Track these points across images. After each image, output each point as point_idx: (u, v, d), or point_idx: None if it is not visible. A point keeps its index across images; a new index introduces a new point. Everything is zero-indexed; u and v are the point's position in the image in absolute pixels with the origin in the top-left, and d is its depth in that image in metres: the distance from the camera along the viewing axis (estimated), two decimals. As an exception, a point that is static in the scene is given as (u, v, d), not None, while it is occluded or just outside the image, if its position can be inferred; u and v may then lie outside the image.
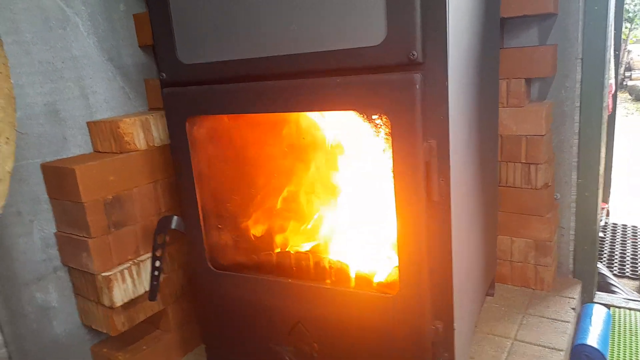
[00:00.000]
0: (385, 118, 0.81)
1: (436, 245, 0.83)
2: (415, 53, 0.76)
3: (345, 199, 1.04)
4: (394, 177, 0.81)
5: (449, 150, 0.80)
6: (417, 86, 0.77)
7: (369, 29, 0.79)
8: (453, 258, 0.84)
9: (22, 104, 1.03)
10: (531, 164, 1.39)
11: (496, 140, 1.38)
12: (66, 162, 1.05)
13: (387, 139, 0.87)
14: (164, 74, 0.97)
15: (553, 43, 1.40)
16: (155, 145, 1.17)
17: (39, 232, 1.08)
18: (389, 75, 0.79)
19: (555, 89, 1.45)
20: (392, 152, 0.79)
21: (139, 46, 1.27)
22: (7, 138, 0.75)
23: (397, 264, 0.84)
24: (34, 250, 1.07)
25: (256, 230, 1.09)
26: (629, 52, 7.91)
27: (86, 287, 1.10)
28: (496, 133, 1.38)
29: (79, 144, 1.15)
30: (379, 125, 0.88)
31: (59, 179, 1.04)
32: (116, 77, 1.23)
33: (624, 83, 7.56)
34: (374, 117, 0.87)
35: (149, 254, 1.13)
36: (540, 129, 1.35)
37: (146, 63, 1.30)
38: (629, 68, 8.05)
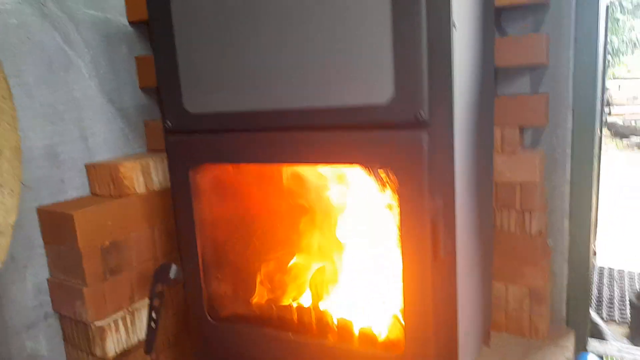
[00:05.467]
0: (392, 175, 0.82)
1: (441, 303, 0.83)
2: (422, 113, 0.77)
3: (349, 254, 1.04)
4: (400, 234, 0.81)
5: (454, 208, 0.81)
6: (424, 145, 0.78)
7: (376, 87, 0.80)
8: (458, 315, 0.84)
9: (22, 147, 1.01)
10: (525, 210, 1.41)
11: (491, 187, 1.41)
12: (64, 207, 1.03)
13: (393, 195, 0.88)
14: (169, 122, 0.97)
15: (545, 91, 1.45)
16: (155, 189, 1.15)
17: (32, 278, 1.05)
18: (396, 133, 0.80)
19: (547, 136, 1.49)
20: (399, 209, 0.80)
21: (140, 87, 1.27)
22: (12, 190, 0.73)
23: (402, 321, 0.84)
24: (26, 298, 1.04)
25: (257, 281, 1.08)
26: (607, 88, 8.18)
27: (78, 336, 1.06)
28: (491, 179, 1.40)
29: (76, 187, 1.13)
30: (385, 182, 0.89)
31: (55, 223, 1.02)
32: (116, 118, 1.22)
33: (603, 119, 7.79)
34: (380, 173, 0.88)
35: (144, 301, 1.10)
36: (534, 176, 1.38)
37: (146, 104, 1.30)
38: (607, 104, 8.31)
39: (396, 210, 0.81)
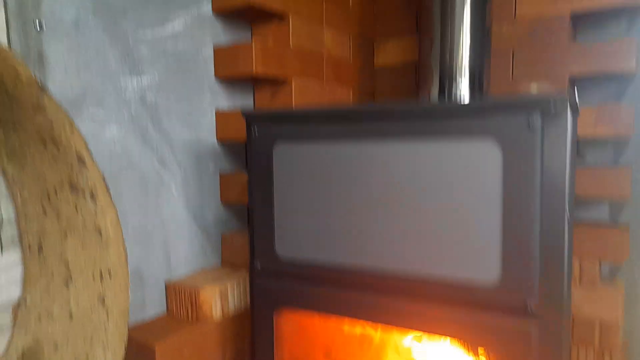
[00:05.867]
0: (494, 357, 0.79)
1: None
2: (531, 304, 0.75)
3: None
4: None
5: (561, 400, 0.77)
6: (533, 337, 0.75)
7: (482, 266, 0.78)
8: None
9: (112, 273, 1.04)
10: (605, 349, 1.33)
11: (570, 320, 1.34)
12: (144, 332, 1.04)
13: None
14: (259, 264, 0.98)
15: (625, 222, 1.40)
16: (230, 314, 1.15)
17: (105, 404, 1.04)
18: (502, 317, 0.77)
19: (627, 268, 1.43)
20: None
21: (221, 201, 1.30)
22: (115, 352, 0.74)
23: None
24: None
25: None
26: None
27: None
28: (570, 314, 1.34)
29: (155, 304, 1.14)
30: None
31: (136, 351, 1.02)
32: (197, 234, 1.24)
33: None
34: (479, 351, 0.85)
35: None
36: (616, 313, 1.31)
37: (225, 218, 1.32)
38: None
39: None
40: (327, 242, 0.90)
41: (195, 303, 1.10)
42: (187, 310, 1.11)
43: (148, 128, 1.11)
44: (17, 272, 0.85)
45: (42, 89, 0.65)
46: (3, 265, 0.83)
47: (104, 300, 0.75)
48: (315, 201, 0.91)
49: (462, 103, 0.79)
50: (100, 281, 0.75)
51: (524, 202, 0.74)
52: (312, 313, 1.01)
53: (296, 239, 0.93)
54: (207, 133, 1.26)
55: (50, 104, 0.66)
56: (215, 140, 1.28)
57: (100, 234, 0.74)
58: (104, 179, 0.72)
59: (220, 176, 1.29)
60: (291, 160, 0.92)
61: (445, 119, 0.78)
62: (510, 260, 0.76)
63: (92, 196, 0.73)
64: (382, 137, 0.84)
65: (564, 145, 0.73)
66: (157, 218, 1.14)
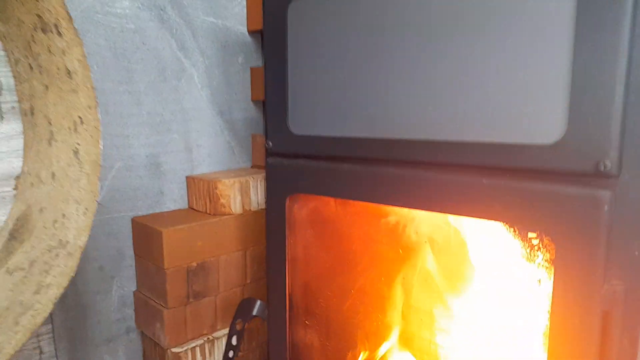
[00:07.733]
0: (548, 241, 0.60)
1: None
2: (607, 163, 0.54)
3: (470, 329, 0.82)
4: (551, 324, 0.58)
5: None
6: (606, 207, 0.55)
7: (540, 120, 0.59)
8: None
9: (124, 155, 0.98)
10: None
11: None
12: (157, 221, 0.98)
13: (547, 268, 0.65)
14: (271, 143, 0.86)
15: None
16: (252, 210, 1.05)
17: (118, 290, 1.00)
18: (563, 186, 0.58)
19: None
20: (554, 289, 0.58)
21: (252, 100, 1.20)
22: (86, 209, 0.67)
23: None
24: (110, 310, 1.00)
25: (349, 334, 0.91)
26: None
27: (155, 358, 0.99)
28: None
29: (175, 199, 1.08)
30: (535, 247, 0.67)
31: (146, 237, 0.97)
32: (224, 131, 1.15)
33: None
34: (530, 235, 0.66)
35: (226, 330, 1.00)
36: None
37: (256, 118, 1.22)
38: None
39: (549, 287, 0.59)
40: (346, 113, 0.75)
41: (213, 196, 1.01)
42: (206, 204, 1.03)
43: (166, 8, 1.02)
44: (17, 143, 0.80)
45: None
46: (2, 134, 0.78)
47: (77, 152, 0.68)
48: (334, 65, 0.76)
49: None
50: (75, 132, 0.68)
51: (609, 42, 0.53)
52: (327, 198, 0.87)
53: (311, 112, 0.80)
54: (236, 22, 1.15)
55: None
56: (246, 31, 1.16)
57: (70, 75, 0.66)
58: (65, 8, 0.63)
59: (252, 71, 1.18)
60: (307, 22, 0.78)
61: None
62: (581, 107, 0.55)
63: (58, 29, 0.64)
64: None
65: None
66: (177, 107, 1.06)
